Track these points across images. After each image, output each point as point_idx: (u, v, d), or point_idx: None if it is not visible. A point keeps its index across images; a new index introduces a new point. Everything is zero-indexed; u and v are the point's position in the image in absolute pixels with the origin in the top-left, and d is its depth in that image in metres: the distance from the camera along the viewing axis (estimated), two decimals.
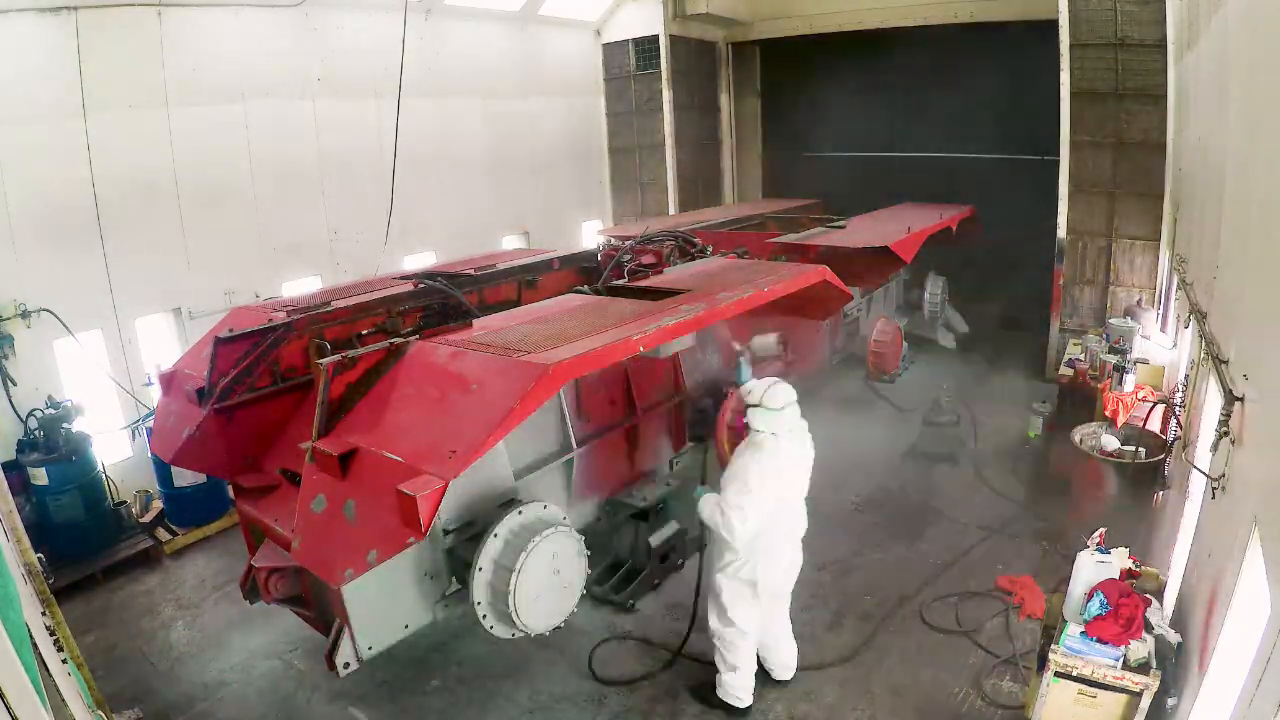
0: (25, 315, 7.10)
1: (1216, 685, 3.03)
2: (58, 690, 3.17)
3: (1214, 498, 3.54)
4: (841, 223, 10.73)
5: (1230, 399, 3.39)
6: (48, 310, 7.23)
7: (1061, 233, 9.95)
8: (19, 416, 7.01)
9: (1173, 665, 3.66)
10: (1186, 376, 5.67)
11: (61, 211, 7.42)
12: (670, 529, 6.41)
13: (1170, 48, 8.63)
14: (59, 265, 7.38)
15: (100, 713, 4.40)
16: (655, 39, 13.25)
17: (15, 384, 7.07)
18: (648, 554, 6.22)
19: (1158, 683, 3.60)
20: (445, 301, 6.55)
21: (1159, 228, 9.20)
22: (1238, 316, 3.73)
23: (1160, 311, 8.63)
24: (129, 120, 7.84)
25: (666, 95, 13.35)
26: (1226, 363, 3.76)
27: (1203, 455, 4.01)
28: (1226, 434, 3.40)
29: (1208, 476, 3.66)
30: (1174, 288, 7.45)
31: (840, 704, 5.04)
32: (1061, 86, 9.47)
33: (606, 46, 13.91)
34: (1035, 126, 11.40)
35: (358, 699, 5.36)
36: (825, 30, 12.99)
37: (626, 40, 13.64)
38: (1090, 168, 9.62)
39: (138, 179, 7.95)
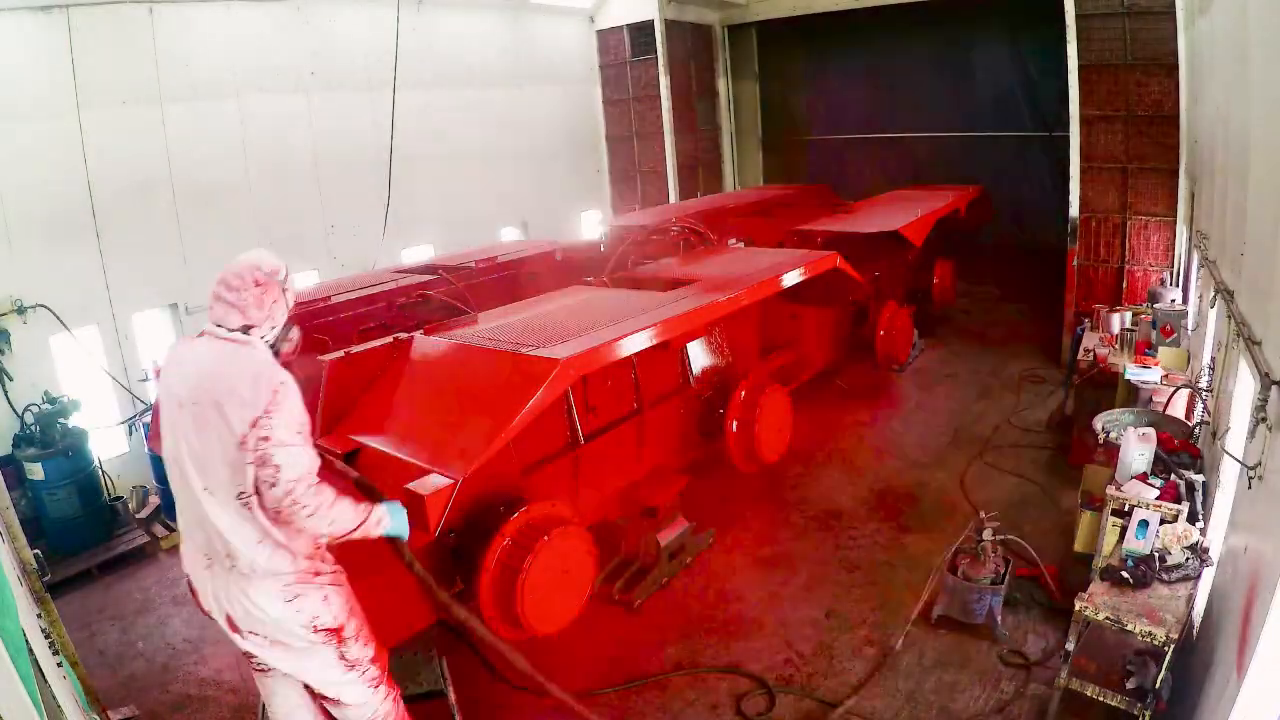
0: (21, 311, 7.11)
1: (1258, 684, 2.90)
2: (52, 695, 3.09)
3: (1250, 487, 3.40)
4: (848, 207, 10.58)
5: (1267, 383, 3.25)
6: (44, 306, 7.24)
7: (1074, 211, 9.74)
8: (15, 412, 7.00)
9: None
10: (1213, 359, 5.52)
11: (57, 208, 7.41)
12: (680, 527, 6.29)
13: (1180, 14, 8.39)
14: (55, 261, 7.38)
15: (95, 713, 4.33)
16: (650, 24, 13.02)
17: (11, 379, 7.07)
18: (657, 553, 6.10)
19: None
20: (447, 295, 6.43)
21: (1174, 203, 9.00)
22: (1271, 295, 3.57)
23: (1180, 291, 8.43)
24: (122, 117, 7.84)
25: (664, 81, 13.13)
26: (1259, 344, 3.61)
27: (1237, 442, 3.87)
28: (1264, 420, 3.25)
29: (1243, 465, 3.52)
30: (1195, 266, 7.27)
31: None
32: (1069, 59, 9.25)
33: (601, 33, 13.71)
34: (1043, 102, 11.23)
35: None
36: (823, 9, 12.72)
37: (621, 26, 13.41)
38: (1101, 143, 9.40)
39: (132, 175, 7.92)
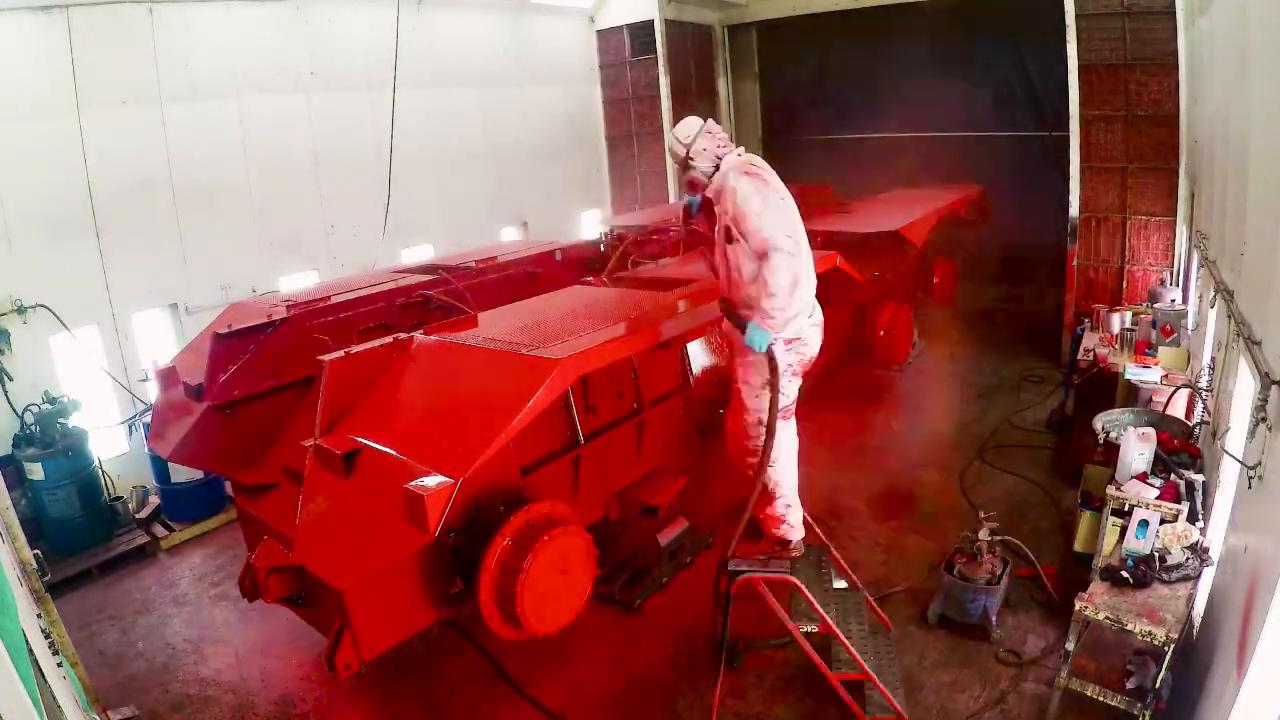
0: (21, 311, 7.11)
1: (1258, 683, 2.90)
2: (52, 695, 3.09)
3: (1250, 487, 3.40)
4: (848, 207, 10.57)
5: (1267, 383, 3.25)
6: (44, 306, 7.24)
7: (1074, 211, 9.75)
8: (15, 412, 7.00)
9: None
10: (1213, 359, 5.52)
11: (57, 208, 7.42)
12: (679, 527, 6.28)
13: (1180, 14, 8.40)
14: (55, 261, 7.38)
15: (95, 713, 4.33)
16: (650, 24, 13.01)
17: (11, 379, 7.07)
18: (656, 553, 6.10)
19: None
20: (447, 295, 6.43)
21: (1174, 203, 9.01)
22: (1271, 295, 3.58)
23: (1180, 291, 8.44)
24: (122, 117, 7.84)
25: (664, 81, 13.11)
26: (1259, 344, 3.61)
27: (1237, 442, 3.87)
28: (1264, 419, 3.25)
29: (1243, 465, 3.52)
30: (1195, 266, 7.27)
31: None
32: (1069, 59, 9.25)
33: (601, 33, 13.70)
34: (1043, 102, 11.22)
35: (358, 700, 5.26)
36: (822, 9, 12.72)
37: (621, 26, 13.41)
38: (1101, 142, 9.40)
39: (132, 175, 7.92)
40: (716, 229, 4.42)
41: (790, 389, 4.45)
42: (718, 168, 4.32)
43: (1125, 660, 4.48)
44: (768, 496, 4.67)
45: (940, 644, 5.34)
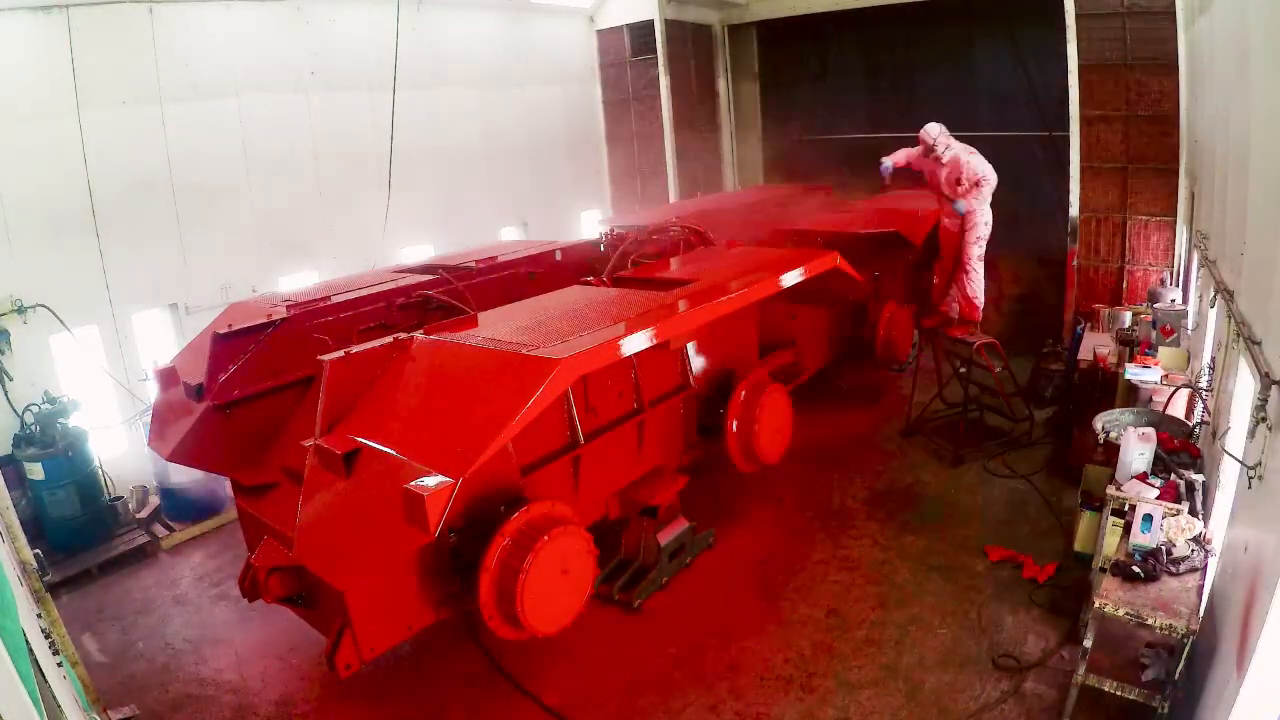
0: (21, 311, 7.12)
1: (1259, 684, 2.90)
2: (53, 695, 3.09)
3: (1250, 487, 3.40)
4: (848, 207, 10.57)
5: (1268, 383, 3.25)
6: (44, 306, 7.25)
7: (1074, 211, 9.75)
8: (15, 412, 7.01)
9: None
10: (1213, 359, 5.52)
11: (57, 208, 7.44)
12: (679, 527, 6.28)
13: (1180, 14, 8.40)
14: (55, 261, 7.40)
15: (95, 713, 4.33)
16: (650, 24, 13.00)
17: (11, 379, 7.09)
18: (656, 552, 6.10)
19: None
20: (447, 295, 6.43)
21: (1174, 203, 9.01)
22: (1271, 295, 3.57)
23: (1180, 291, 8.44)
24: (122, 117, 7.87)
25: (664, 81, 13.11)
26: (1259, 344, 3.61)
27: (1237, 442, 3.87)
28: (1264, 419, 3.25)
29: (1243, 465, 3.52)
30: (1195, 266, 7.27)
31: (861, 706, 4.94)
32: (1069, 59, 9.26)
33: (601, 33, 13.70)
34: (1043, 102, 11.21)
35: (358, 700, 5.26)
36: (823, 9, 12.70)
37: (621, 26, 13.41)
38: (1101, 142, 9.41)
39: (132, 175, 7.94)
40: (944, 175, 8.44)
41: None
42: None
43: (1139, 654, 4.49)
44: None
45: (941, 644, 5.35)
